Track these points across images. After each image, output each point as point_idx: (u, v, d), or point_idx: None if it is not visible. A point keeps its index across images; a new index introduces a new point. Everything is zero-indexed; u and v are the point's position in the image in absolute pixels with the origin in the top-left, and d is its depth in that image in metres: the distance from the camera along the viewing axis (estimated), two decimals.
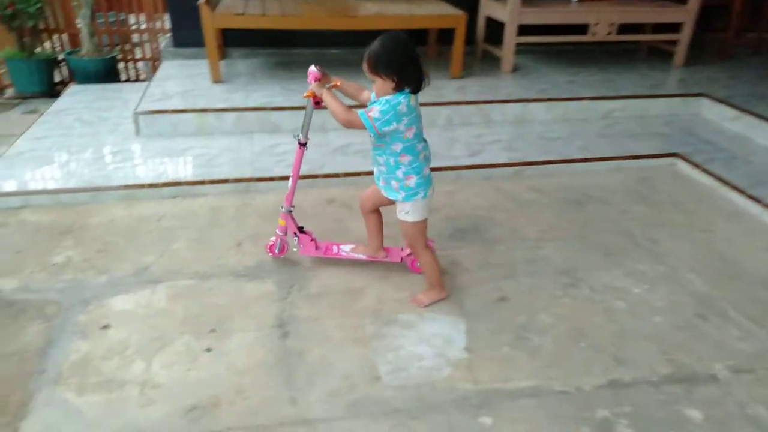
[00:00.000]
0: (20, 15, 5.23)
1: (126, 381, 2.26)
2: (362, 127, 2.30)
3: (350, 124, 2.32)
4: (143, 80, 6.02)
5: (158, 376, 2.29)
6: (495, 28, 5.73)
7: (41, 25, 5.62)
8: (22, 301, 2.68)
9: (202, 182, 3.72)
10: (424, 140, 2.47)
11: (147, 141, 4.28)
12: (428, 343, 2.54)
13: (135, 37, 6.34)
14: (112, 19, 6.08)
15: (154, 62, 6.06)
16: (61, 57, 5.81)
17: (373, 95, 2.41)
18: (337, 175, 3.93)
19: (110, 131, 4.43)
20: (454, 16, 5.12)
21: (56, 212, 3.43)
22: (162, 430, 2.07)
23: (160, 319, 2.61)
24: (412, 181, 2.45)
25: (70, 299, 2.70)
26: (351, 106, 2.37)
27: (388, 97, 2.27)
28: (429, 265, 2.70)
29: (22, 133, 4.36)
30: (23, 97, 5.47)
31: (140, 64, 6.23)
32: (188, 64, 5.42)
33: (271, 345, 2.49)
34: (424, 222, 2.60)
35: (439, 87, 5.12)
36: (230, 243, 3.20)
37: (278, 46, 5.82)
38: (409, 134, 2.34)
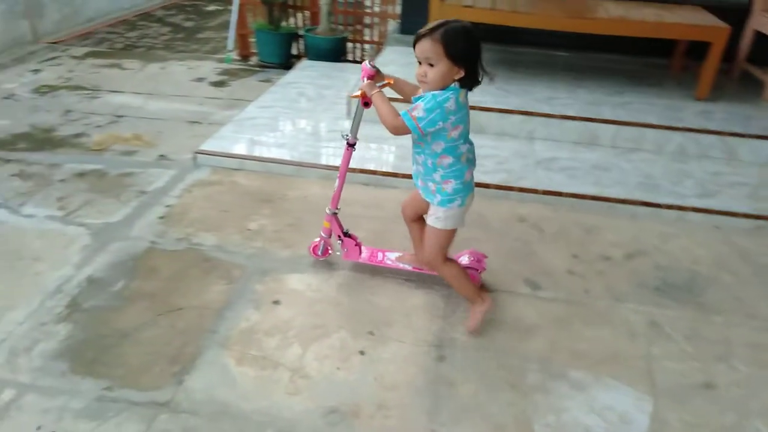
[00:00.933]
0: None
1: (280, 363, 2.31)
2: (409, 132, 2.09)
3: (397, 131, 2.11)
4: None
5: (309, 367, 2.30)
6: (764, 46, 4.73)
7: (290, 2, 6.15)
8: (215, 259, 2.92)
9: (395, 174, 3.70)
10: (470, 142, 2.24)
11: None
12: (600, 414, 2.15)
13: (367, 20, 6.61)
14: (351, 0, 6.41)
15: (379, 46, 6.25)
16: (300, 33, 6.31)
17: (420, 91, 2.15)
18: (534, 191, 3.60)
19: (325, 109, 4.66)
20: (715, 28, 4.32)
21: (263, 179, 3.70)
22: (300, 424, 2.06)
23: (326, 307, 2.63)
24: (450, 185, 2.22)
25: (254, 266, 2.87)
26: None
27: (435, 92, 2.03)
28: (456, 278, 2.44)
29: (253, 100, 4.81)
30: (263, 66, 6.07)
31: (367, 47, 6.48)
32: (409, 52, 5.44)
33: (425, 365, 2.34)
34: (454, 232, 2.37)
35: (676, 108, 4.40)
36: (408, 243, 3.11)
37: (501, 42, 5.56)
38: (455, 133, 2.11)
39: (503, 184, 3.62)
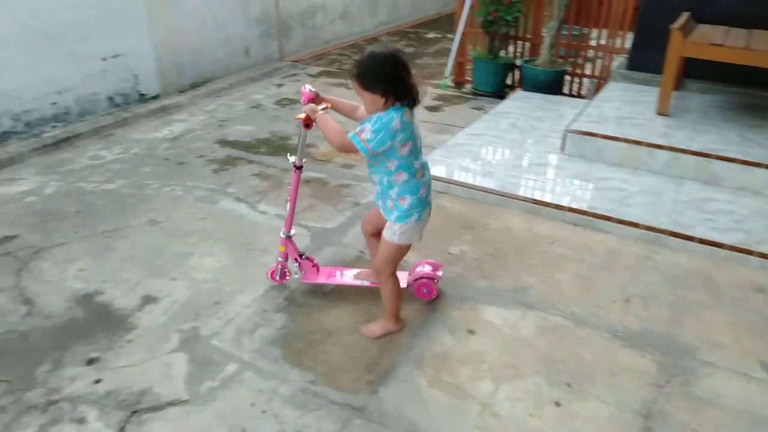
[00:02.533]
0: (498, 22, 5.84)
1: (471, 395, 2.27)
2: (356, 151, 2.15)
3: (345, 149, 2.20)
4: (583, 97, 5.99)
5: (500, 406, 2.22)
6: None
7: (512, 33, 6.17)
8: None
9: (608, 218, 3.44)
10: (424, 160, 2.33)
11: (567, 160, 4.22)
12: None
13: (590, 53, 6.34)
14: (575, 33, 6.21)
15: (600, 81, 5.94)
16: (518, 63, 6.29)
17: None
18: None
19: (537, 142, 4.55)
20: None
21: (467, 205, 3.73)
22: None
23: (521, 347, 2.53)
24: (406, 201, 2.30)
25: (451, 291, 2.88)
26: None
27: (380, 113, 2.14)
28: (390, 293, 2.50)
29: (464, 127, 4.89)
30: (476, 93, 6.17)
31: (585, 81, 6.21)
32: (634, 90, 5.08)
33: None
34: (408, 247, 2.44)
35: None
36: (618, 295, 2.86)
37: (746, 85, 4.89)
38: (404, 150, 2.20)
39: (740, 246, 3.15)
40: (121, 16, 5.35)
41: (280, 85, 6.30)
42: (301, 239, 3.30)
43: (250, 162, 4.36)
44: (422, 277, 2.73)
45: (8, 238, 3.32)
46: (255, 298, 2.82)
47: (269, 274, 2.89)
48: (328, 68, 7.10)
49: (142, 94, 5.78)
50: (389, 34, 9.34)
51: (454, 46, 6.32)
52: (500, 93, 6.07)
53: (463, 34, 6.28)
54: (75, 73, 5.09)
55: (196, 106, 5.59)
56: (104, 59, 5.32)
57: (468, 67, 6.48)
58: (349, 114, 2.46)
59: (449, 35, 6.42)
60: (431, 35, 9.27)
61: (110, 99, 5.48)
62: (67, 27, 4.91)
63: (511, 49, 6.34)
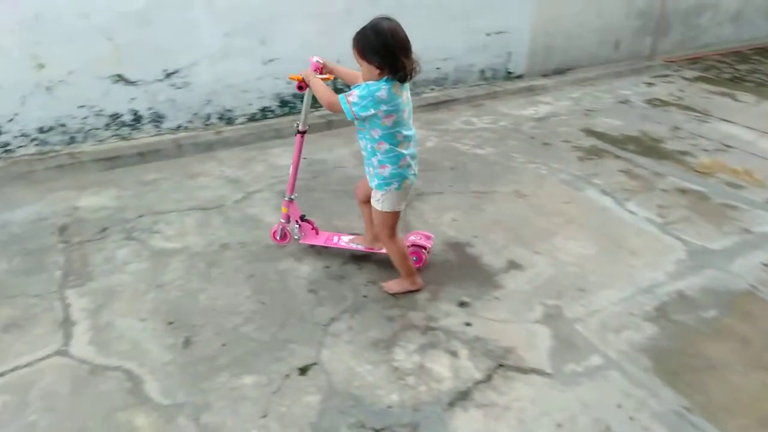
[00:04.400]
0: None
1: None
2: (341, 111, 2.23)
3: (331, 107, 2.28)
4: None
5: None
6: None
7: None
8: None
9: None
10: (410, 133, 2.35)
11: None
12: None
13: None
14: None
15: None
16: None
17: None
18: None
19: None
20: None
21: None
22: None
23: None
24: (386, 170, 2.38)
25: None
26: None
27: (370, 82, 2.19)
28: (397, 255, 2.60)
29: None
30: None
31: None
32: None
33: None
34: (396, 213, 2.52)
35: None
36: None
37: None
38: (388, 121, 2.26)
39: None
40: None
41: (650, 84, 5.85)
42: (675, 253, 3.00)
43: (617, 157, 4.14)
44: (413, 245, 2.79)
45: None
46: (622, 298, 2.66)
47: (271, 233, 2.99)
48: (705, 74, 6.32)
49: (509, 72, 6.01)
50: None
51: None
52: None
53: None
54: (462, 45, 5.53)
55: (560, 92, 5.57)
56: (488, 34, 5.65)
57: None
58: (352, 81, 2.46)
59: None
60: None
61: (481, 72, 5.83)
62: (466, 2, 5.34)
63: None
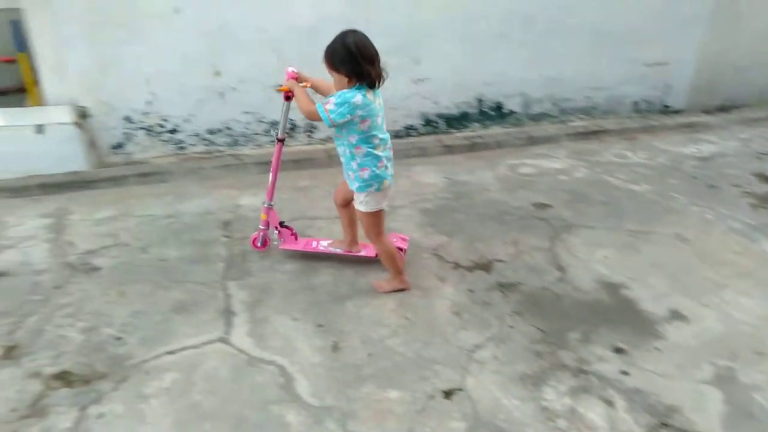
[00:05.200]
0: None
1: None
2: (320, 119, 2.34)
3: (311, 116, 2.40)
4: None
5: None
6: None
7: None
8: None
9: None
10: (385, 136, 2.48)
11: None
12: None
13: None
14: None
15: None
16: None
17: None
18: None
19: None
20: None
21: None
22: None
23: None
24: (366, 173, 2.48)
25: None
26: None
27: (344, 90, 2.31)
28: (385, 254, 2.69)
29: None
30: None
31: None
32: None
33: None
34: (379, 213, 2.61)
35: None
36: None
37: None
38: (364, 126, 2.38)
39: None
40: (679, 26, 5.24)
41: None
42: None
43: None
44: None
45: (544, 206, 3.68)
46: None
47: (251, 241, 3.04)
48: None
49: (666, 106, 5.62)
50: None
51: None
52: None
53: None
54: (616, 74, 5.27)
55: (726, 131, 5.11)
56: (647, 65, 5.34)
57: None
58: (326, 92, 2.54)
59: None
60: None
61: (635, 104, 5.51)
62: (624, 30, 5.08)
63: None
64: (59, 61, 3.80)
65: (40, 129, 3.69)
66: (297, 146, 4.49)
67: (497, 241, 3.23)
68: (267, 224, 2.96)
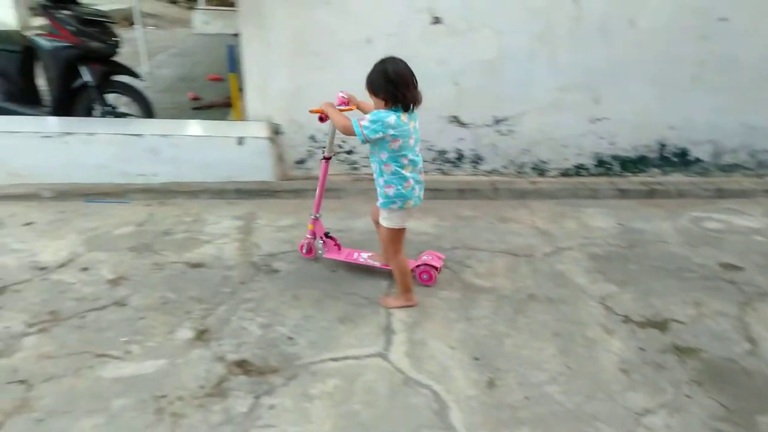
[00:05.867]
0: None
1: None
2: (354, 134, 2.54)
3: (346, 130, 2.61)
4: None
5: None
6: None
7: None
8: None
9: None
10: (415, 159, 2.63)
11: None
12: None
13: None
14: None
15: None
16: None
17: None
18: None
19: None
20: None
21: None
22: None
23: None
24: (391, 190, 2.66)
25: None
26: None
27: (380, 110, 2.53)
28: (399, 271, 2.84)
29: None
30: None
31: None
32: None
33: None
34: (401, 231, 2.78)
35: None
36: None
37: None
38: (395, 146, 2.55)
39: None
40: None
41: None
42: None
43: None
44: (425, 264, 3.00)
45: (734, 268, 3.30)
46: None
47: (299, 247, 3.30)
48: None
49: None
50: None
51: None
52: None
53: None
54: None
55: None
56: None
57: None
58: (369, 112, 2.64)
59: None
60: None
61: None
62: None
63: None
64: (263, 82, 4.28)
65: (240, 141, 4.18)
66: (461, 176, 4.55)
67: (675, 300, 2.96)
68: (313, 234, 3.20)
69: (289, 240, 3.51)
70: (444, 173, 4.61)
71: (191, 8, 12.37)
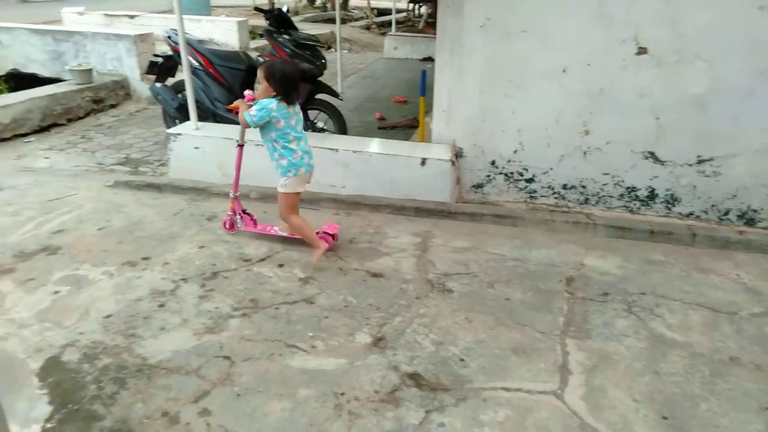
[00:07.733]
0: None
1: None
2: (248, 125, 3.24)
3: (245, 125, 3.27)
4: None
5: None
6: None
7: None
8: None
9: None
10: (299, 135, 3.33)
11: None
12: None
13: None
14: None
15: None
16: None
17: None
18: None
19: None
20: None
21: None
22: None
23: None
24: (285, 161, 3.30)
25: None
26: None
27: (264, 100, 3.21)
28: (300, 228, 3.43)
29: None
30: None
31: None
32: None
33: None
34: (296, 195, 3.40)
35: None
36: None
37: None
38: (279, 126, 3.24)
39: None
40: None
41: None
42: None
43: None
44: (324, 232, 3.56)
45: None
46: None
47: (222, 223, 3.82)
48: None
49: None
50: None
51: None
52: None
53: None
54: None
55: None
56: None
57: None
58: None
59: None
60: None
61: None
62: None
63: None
64: (451, 106, 4.40)
65: (423, 162, 4.33)
66: (652, 216, 4.20)
67: None
68: (234, 210, 3.73)
69: (464, 262, 3.53)
70: (631, 211, 4.30)
71: (383, 34, 13.16)
